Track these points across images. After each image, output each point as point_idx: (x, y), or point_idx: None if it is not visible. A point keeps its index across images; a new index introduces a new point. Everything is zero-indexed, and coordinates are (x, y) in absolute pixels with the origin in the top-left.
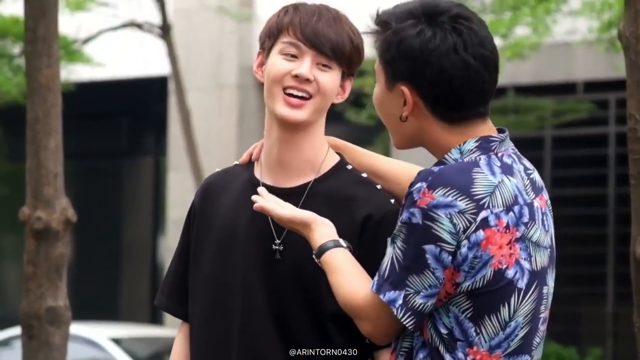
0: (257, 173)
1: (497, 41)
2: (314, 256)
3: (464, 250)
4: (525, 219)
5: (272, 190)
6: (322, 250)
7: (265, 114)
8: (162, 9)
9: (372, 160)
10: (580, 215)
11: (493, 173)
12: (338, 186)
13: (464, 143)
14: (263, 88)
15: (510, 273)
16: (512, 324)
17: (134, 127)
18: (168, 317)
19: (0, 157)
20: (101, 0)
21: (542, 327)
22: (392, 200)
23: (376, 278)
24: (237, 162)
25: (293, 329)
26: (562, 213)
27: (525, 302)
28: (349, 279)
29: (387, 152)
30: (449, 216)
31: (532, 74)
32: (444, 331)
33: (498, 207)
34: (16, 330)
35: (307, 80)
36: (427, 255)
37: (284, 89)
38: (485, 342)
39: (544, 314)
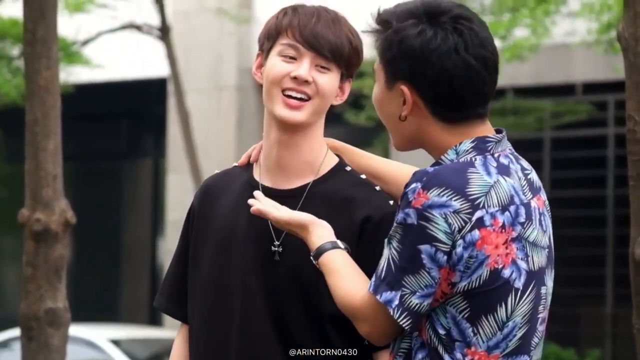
0: (256, 174)
1: (496, 43)
2: (311, 258)
3: (459, 249)
4: (522, 219)
5: (271, 191)
6: (320, 251)
7: (264, 115)
8: (161, 11)
9: (371, 161)
10: (579, 217)
11: (489, 173)
12: (337, 188)
13: (460, 144)
14: (262, 90)
15: (506, 273)
16: (510, 324)
17: (133, 129)
18: (167, 319)
19: None
20: (100, 2)
21: (541, 328)
22: (391, 202)
23: (373, 279)
24: (236, 164)
25: (292, 330)
26: (561, 214)
27: (523, 302)
28: (346, 280)
29: (386, 154)
30: (443, 216)
31: (531, 75)
32: (442, 332)
33: (493, 207)
34: (15, 332)
35: (306, 82)
36: (423, 255)
37: (283, 90)
38: (483, 342)
39: (543, 314)
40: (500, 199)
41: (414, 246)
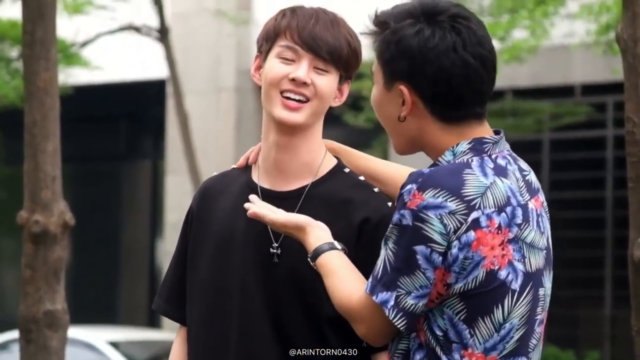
0: (255, 176)
1: (495, 44)
2: (309, 259)
3: (454, 250)
4: (519, 220)
5: (269, 193)
6: (317, 253)
7: (263, 117)
8: (160, 12)
9: (369, 163)
10: (578, 218)
11: (485, 174)
12: (335, 189)
13: (457, 145)
14: (261, 91)
15: (502, 274)
16: (507, 325)
17: (132, 131)
18: (166, 321)
19: None
20: (99, 3)
21: (539, 329)
22: (390, 204)
23: (370, 279)
24: (235, 166)
25: (290, 332)
26: (560, 216)
27: (520, 303)
28: (344, 281)
29: (385, 155)
30: (439, 217)
31: (530, 77)
32: (439, 333)
33: (489, 208)
34: (14, 334)
35: (304, 84)
36: (418, 256)
37: (282, 92)
38: (480, 344)
39: (541, 315)
40: (496, 200)
41: (410, 247)
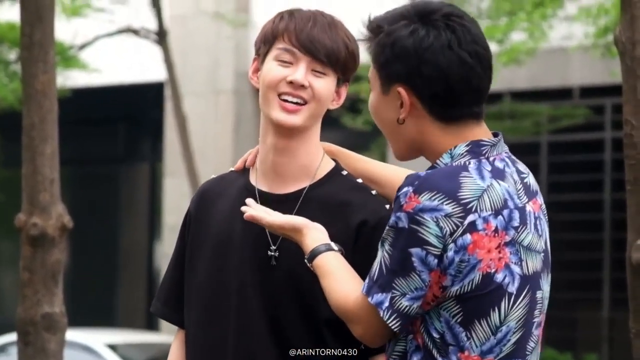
0: (253, 179)
1: (493, 46)
2: (305, 260)
3: (450, 253)
4: (516, 223)
5: (267, 196)
6: (314, 254)
7: (261, 120)
8: (158, 15)
9: (367, 165)
10: (576, 221)
11: (482, 177)
12: (333, 192)
13: (455, 147)
14: (259, 94)
15: (499, 277)
16: (504, 328)
17: (130, 133)
18: (164, 323)
19: None
20: (97, 6)
21: (537, 332)
22: (387, 206)
23: (366, 281)
24: (233, 169)
25: (288, 334)
26: (558, 218)
27: (517, 306)
28: (340, 282)
29: (383, 158)
30: (435, 220)
31: (528, 79)
32: (436, 336)
33: (486, 211)
34: (12, 337)
35: (302, 87)
36: (413, 258)
37: (279, 95)
38: (477, 347)
39: (539, 318)
40: (493, 203)
41: (405, 249)
